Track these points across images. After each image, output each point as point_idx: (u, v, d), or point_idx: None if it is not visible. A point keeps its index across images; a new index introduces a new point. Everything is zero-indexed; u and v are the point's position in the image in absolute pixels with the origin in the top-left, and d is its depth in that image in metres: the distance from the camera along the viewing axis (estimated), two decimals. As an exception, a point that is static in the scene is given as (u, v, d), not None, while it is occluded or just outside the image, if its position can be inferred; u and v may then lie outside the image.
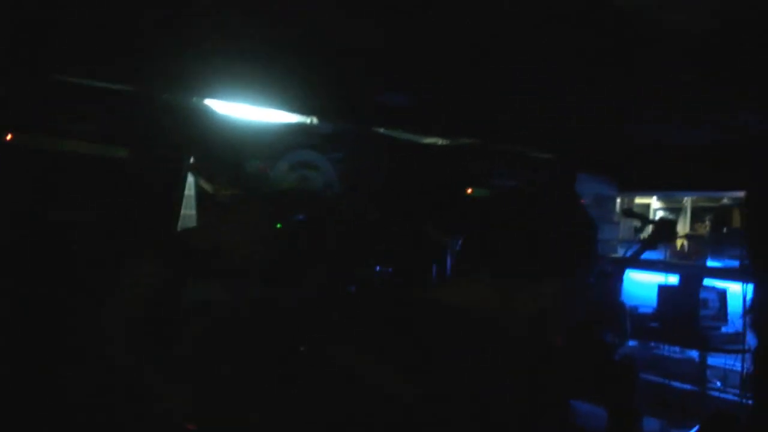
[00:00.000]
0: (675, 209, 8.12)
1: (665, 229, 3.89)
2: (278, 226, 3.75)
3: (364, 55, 3.02)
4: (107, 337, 1.92)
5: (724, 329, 4.77)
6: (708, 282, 4.92)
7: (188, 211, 3.74)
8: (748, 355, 4.46)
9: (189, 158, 3.59)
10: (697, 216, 7.89)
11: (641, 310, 5.10)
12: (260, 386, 1.90)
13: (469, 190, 4.59)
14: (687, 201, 7.95)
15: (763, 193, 4.35)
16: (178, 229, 3.56)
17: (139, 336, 1.87)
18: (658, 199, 8.01)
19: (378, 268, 3.44)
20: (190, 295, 1.95)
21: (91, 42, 2.83)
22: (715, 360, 4.97)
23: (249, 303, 2.08)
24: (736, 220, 7.27)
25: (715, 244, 5.90)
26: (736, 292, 4.68)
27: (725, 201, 7.53)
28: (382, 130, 4.49)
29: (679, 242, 6.81)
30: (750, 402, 4.38)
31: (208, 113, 3.64)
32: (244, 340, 2.02)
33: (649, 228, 3.69)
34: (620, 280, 3.80)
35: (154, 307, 1.91)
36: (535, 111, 4.02)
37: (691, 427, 2.96)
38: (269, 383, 1.89)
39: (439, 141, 4.83)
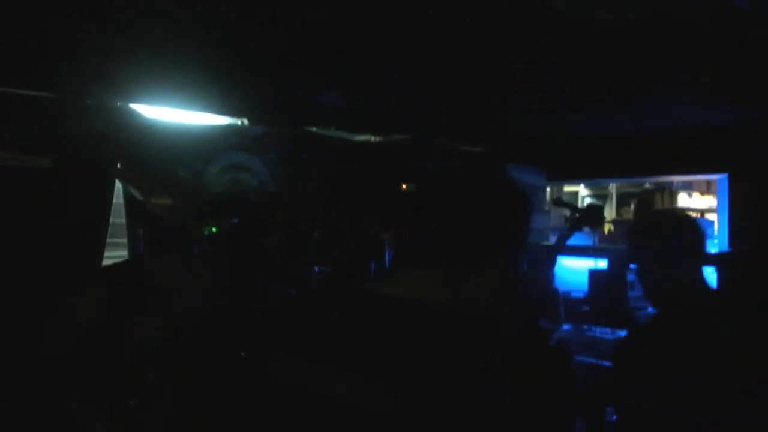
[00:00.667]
0: (601, 195, 8.43)
1: (593, 215, 4.03)
2: (213, 230, 3.69)
3: (292, 55, 3.00)
4: (35, 376, 1.82)
5: (650, 309, 4.98)
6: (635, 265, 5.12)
7: (118, 220, 3.64)
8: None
9: (116, 165, 3.48)
10: (622, 201, 8.23)
11: (573, 294, 5.27)
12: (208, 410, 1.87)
13: (404, 186, 4.63)
14: (612, 187, 8.27)
15: (742, 177, 4.61)
16: (107, 238, 3.45)
17: (71, 375, 1.80)
18: (586, 186, 8.31)
19: (317, 268, 3.44)
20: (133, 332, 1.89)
21: (5, 47, 2.71)
22: (643, 339, 5.18)
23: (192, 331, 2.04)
24: (659, 204, 7.61)
25: (640, 227, 6.14)
26: (661, 272, 4.90)
27: (647, 186, 7.87)
28: (314, 129, 4.48)
29: (606, 227, 7.07)
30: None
31: (134, 117, 3.54)
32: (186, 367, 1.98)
33: (575, 216, 3.82)
34: (552, 266, 3.92)
35: (87, 343, 1.84)
36: (465, 105, 4.09)
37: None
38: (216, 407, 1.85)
39: (372, 138, 4.85)
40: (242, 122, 4.13)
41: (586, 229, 4.47)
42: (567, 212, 4.33)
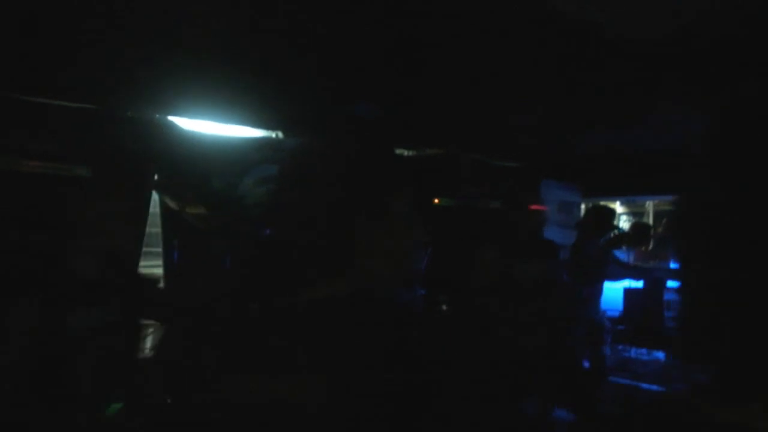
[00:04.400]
0: (638, 213, 8.28)
1: (640, 233, 3.97)
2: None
3: (328, 69, 3.03)
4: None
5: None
6: (672, 284, 5.02)
7: (154, 229, 3.69)
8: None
9: (153, 175, 3.54)
10: (659, 219, 8.07)
11: (609, 313, 5.18)
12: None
13: (436, 200, 4.62)
14: (649, 205, 8.12)
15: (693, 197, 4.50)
16: (142, 246, 3.50)
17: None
18: (621, 204, 8.17)
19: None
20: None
21: (50, 59, 2.79)
22: (681, 360, 5.05)
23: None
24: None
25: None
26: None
27: (686, 204, 7.68)
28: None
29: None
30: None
31: (172, 129, 3.61)
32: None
33: (613, 233, 3.77)
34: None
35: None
36: (501, 121, 4.07)
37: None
38: None
39: (406, 152, 4.86)
40: (277, 135, 4.18)
41: (624, 247, 4.40)
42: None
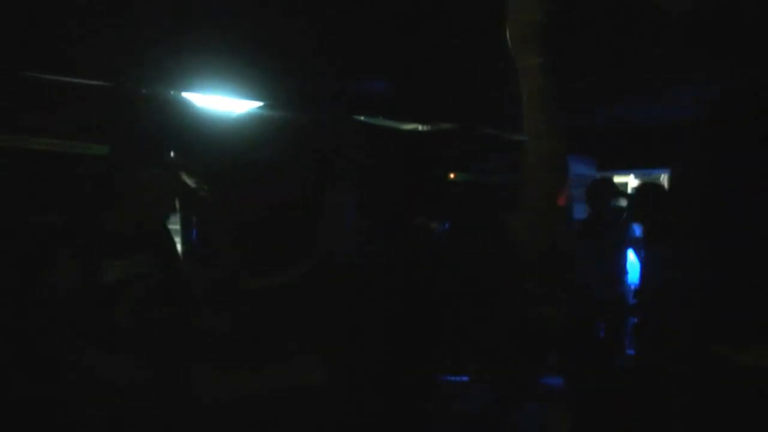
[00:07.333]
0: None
1: (650, 197, 3.84)
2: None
3: (341, 45, 3.02)
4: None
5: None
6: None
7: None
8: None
9: (170, 152, 3.55)
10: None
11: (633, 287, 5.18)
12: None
13: (452, 175, 4.61)
14: (663, 178, 8.05)
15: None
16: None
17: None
18: (636, 176, 8.12)
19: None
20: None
21: (67, 37, 2.79)
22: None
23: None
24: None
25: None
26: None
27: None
28: (362, 118, 4.48)
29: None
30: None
31: (188, 106, 3.61)
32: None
33: (617, 203, 3.75)
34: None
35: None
36: (512, 93, 4.04)
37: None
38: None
39: (419, 127, 4.84)
40: (291, 111, 4.16)
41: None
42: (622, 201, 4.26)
